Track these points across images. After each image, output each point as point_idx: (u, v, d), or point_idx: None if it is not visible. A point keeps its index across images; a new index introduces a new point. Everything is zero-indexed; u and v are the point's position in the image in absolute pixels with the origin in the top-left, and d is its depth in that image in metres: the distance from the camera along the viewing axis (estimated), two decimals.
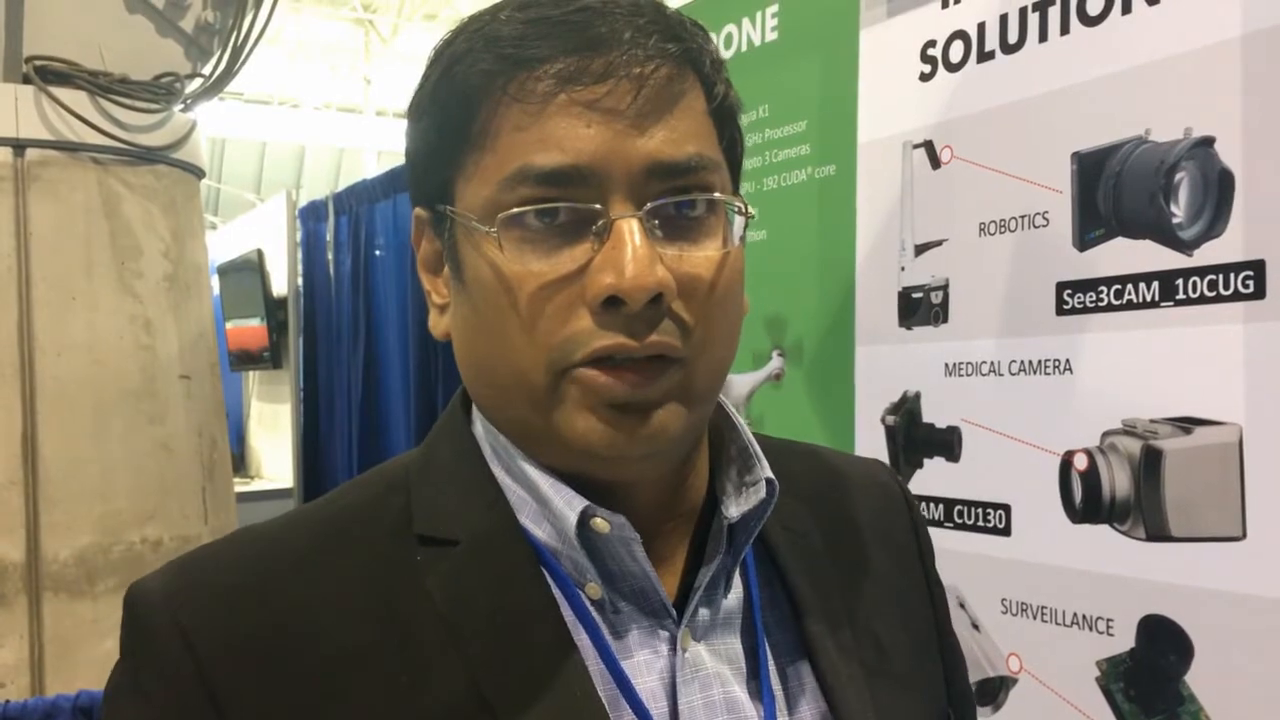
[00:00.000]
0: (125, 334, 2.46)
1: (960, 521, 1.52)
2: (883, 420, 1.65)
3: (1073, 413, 1.37)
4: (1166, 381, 1.27)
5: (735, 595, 0.68)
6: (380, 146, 13.43)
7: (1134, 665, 1.30)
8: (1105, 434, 1.33)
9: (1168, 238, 1.27)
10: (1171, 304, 1.26)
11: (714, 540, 0.66)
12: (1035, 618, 1.41)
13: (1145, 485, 1.28)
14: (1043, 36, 1.41)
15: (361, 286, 4.35)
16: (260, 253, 4.89)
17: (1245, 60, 1.20)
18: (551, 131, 0.58)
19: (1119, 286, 1.32)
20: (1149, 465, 1.28)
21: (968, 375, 1.51)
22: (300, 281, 4.82)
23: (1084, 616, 1.35)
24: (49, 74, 2.38)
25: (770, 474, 0.65)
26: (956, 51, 1.54)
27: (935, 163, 1.57)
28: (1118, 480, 1.31)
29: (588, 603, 0.63)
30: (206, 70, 2.77)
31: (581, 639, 0.61)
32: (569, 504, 0.61)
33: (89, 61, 2.44)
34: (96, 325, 2.41)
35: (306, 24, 12.56)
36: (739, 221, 0.63)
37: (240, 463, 5.53)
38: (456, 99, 0.61)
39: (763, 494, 0.65)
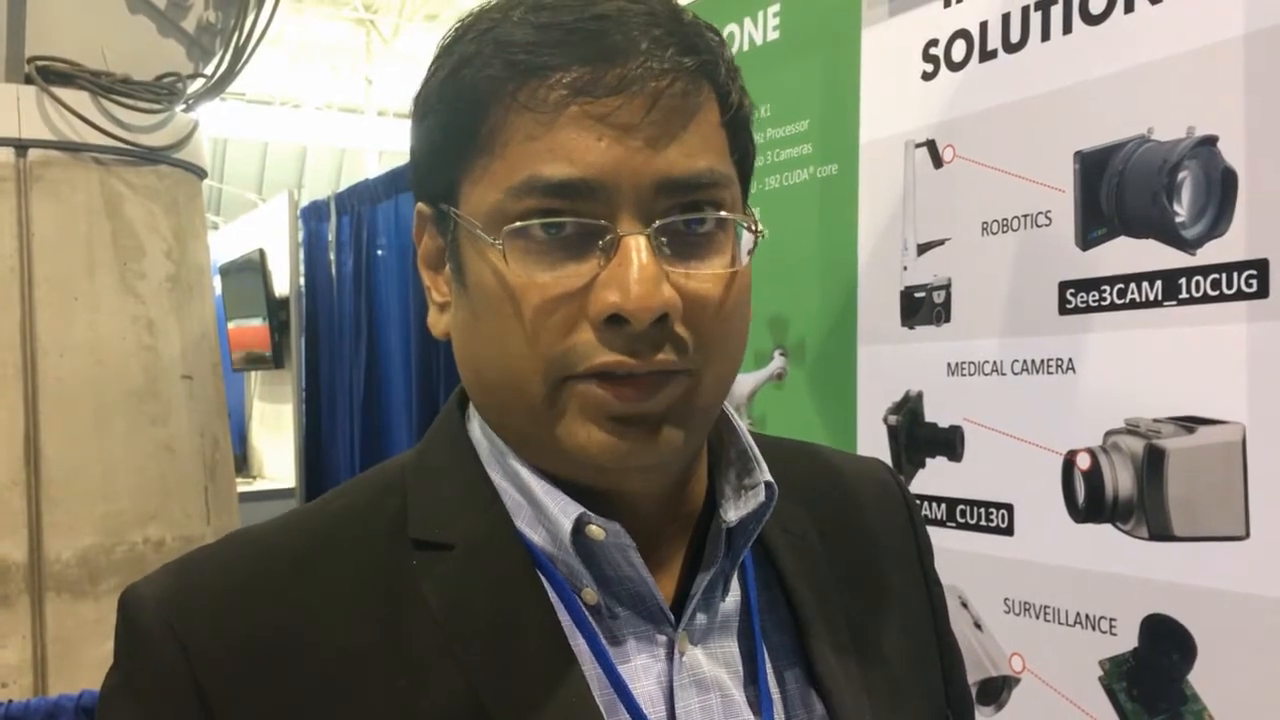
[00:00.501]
0: (127, 334, 2.46)
1: (963, 521, 1.52)
2: (885, 420, 1.64)
3: (1075, 412, 1.36)
4: (1169, 381, 1.26)
5: (733, 599, 0.67)
6: (382, 146, 13.44)
7: (1137, 665, 1.30)
8: (1108, 433, 1.33)
9: (1170, 237, 1.27)
10: (1174, 303, 1.26)
11: (712, 544, 0.66)
12: (1038, 617, 1.41)
13: (1148, 485, 1.28)
14: (1045, 35, 1.41)
15: (363, 286, 4.35)
16: (262, 253, 4.90)
17: (1248, 59, 1.20)
18: (562, 143, 0.56)
19: (1121, 286, 1.32)
20: (1152, 465, 1.28)
21: (970, 375, 1.51)
22: (302, 281, 4.82)
23: (1087, 616, 1.35)
24: (51, 74, 2.38)
25: (769, 477, 0.65)
26: (959, 50, 1.53)
27: (937, 162, 1.57)
28: (1121, 480, 1.31)
29: (584, 608, 0.62)
30: (208, 70, 2.77)
31: (578, 644, 0.61)
32: (564, 511, 0.61)
33: (91, 62, 2.44)
34: (98, 326, 2.41)
35: (308, 24, 12.56)
36: (747, 238, 0.62)
37: (242, 463, 5.52)
38: (465, 101, 0.59)
39: (761, 497, 0.64)
